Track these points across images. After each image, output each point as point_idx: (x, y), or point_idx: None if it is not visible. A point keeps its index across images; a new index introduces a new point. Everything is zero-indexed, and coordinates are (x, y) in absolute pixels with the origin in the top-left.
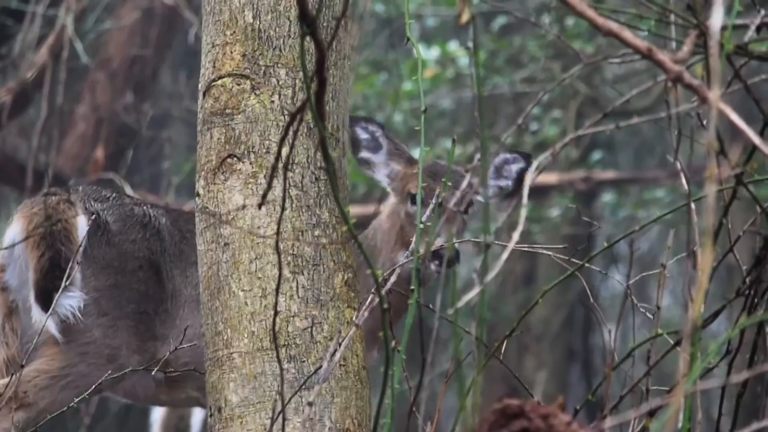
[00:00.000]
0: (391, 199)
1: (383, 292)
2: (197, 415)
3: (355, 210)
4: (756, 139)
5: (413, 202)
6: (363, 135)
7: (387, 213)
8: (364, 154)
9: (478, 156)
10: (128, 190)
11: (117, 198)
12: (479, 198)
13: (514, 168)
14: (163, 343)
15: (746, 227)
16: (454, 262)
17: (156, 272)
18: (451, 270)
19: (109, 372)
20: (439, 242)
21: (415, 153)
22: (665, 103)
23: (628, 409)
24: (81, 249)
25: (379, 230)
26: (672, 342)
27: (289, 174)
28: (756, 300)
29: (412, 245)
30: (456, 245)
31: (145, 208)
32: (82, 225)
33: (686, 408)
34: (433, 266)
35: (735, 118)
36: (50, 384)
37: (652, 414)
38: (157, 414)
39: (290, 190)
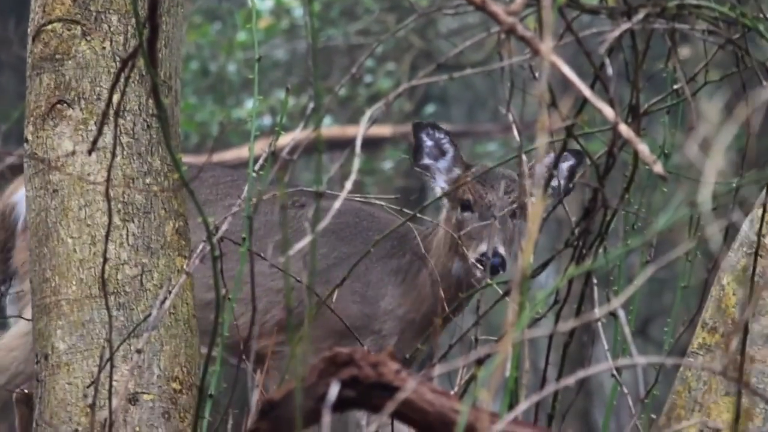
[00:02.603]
0: (447, 205)
1: (215, 240)
2: None
3: (187, 159)
4: (587, 92)
5: (463, 209)
6: (428, 142)
7: (442, 219)
8: (427, 161)
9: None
10: None
11: None
12: (533, 200)
13: (565, 166)
14: None
15: (575, 179)
16: (498, 269)
17: None
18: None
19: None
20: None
21: (249, 103)
22: (498, 55)
23: (456, 358)
24: None
25: (435, 236)
26: (501, 292)
27: (120, 121)
28: (584, 251)
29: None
30: (503, 252)
31: None
32: None
33: (514, 357)
34: (478, 272)
35: (566, 70)
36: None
37: (480, 363)
38: None
39: (121, 137)
